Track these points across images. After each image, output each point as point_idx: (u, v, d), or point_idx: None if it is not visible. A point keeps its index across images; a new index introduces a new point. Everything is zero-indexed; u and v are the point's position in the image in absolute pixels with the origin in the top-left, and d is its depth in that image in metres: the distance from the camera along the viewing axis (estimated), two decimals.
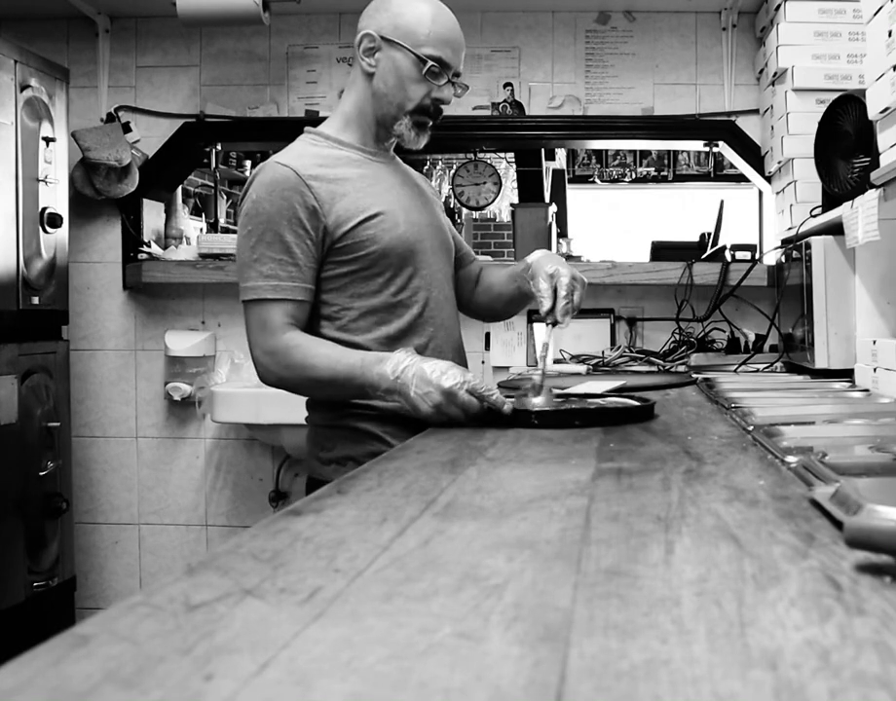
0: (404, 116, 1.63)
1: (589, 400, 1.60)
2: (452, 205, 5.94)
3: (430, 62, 1.59)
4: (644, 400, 1.52)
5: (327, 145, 1.65)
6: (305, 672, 0.44)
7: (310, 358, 1.50)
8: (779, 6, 2.67)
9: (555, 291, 1.53)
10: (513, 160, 5.11)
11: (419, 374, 1.40)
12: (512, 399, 1.46)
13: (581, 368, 2.67)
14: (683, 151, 6.60)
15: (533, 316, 3.00)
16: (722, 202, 3.13)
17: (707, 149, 3.30)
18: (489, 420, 1.39)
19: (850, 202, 1.93)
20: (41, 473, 2.74)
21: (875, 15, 1.72)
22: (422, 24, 1.60)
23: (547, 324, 1.54)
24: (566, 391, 1.76)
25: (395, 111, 1.63)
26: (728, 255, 2.92)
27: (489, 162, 4.05)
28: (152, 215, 3.28)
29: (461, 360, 1.75)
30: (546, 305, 1.53)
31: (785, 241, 2.69)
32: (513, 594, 0.56)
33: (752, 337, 2.79)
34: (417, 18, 1.60)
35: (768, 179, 2.98)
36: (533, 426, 1.36)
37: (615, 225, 6.66)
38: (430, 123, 1.66)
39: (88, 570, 3.21)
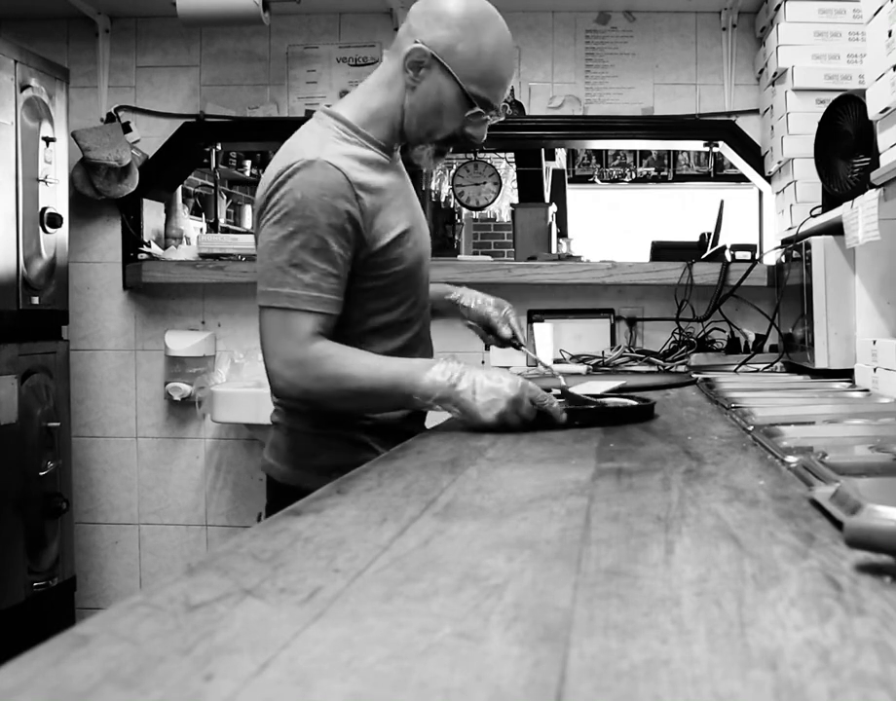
0: (431, 143, 1.53)
1: (589, 400, 1.60)
2: (452, 205, 5.95)
3: (476, 107, 1.48)
4: (644, 400, 1.51)
5: (356, 141, 1.51)
6: (305, 672, 0.44)
7: (346, 368, 1.40)
8: (779, 6, 2.67)
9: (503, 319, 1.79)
10: (513, 160, 5.11)
11: (480, 381, 1.36)
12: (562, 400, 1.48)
13: (581, 368, 2.67)
14: (683, 151, 6.60)
15: (533, 317, 3.00)
16: (722, 202, 3.13)
17: (707, 149, 3.30)
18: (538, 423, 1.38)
19: (850, 202, 1.93)
20: (41, 473, 2.74)
21: (875, 15, 1.72)
22: (480, 60, 1.47)
23: (515, 346, 1.85)
24: (566, 391, 1.76)
25: (424, 135, 1.52)
26: (727, 255, 2.92)
27: (489, 162, 4.05)
28: (152, 215, 3.28)
29: None
30: (507, 333, 1.80)
31: (785, 241, 2.69)
32: (513, 594, 0.56)
33: (752, 337, 2.79)
34: (477, 52, 1.46)
35: (768, 179, 2.98)
36: (533, 426, 1.36)
37: (615, 225, 6.66)
38: (450, 150, 1.58)
39: (88, 570, 3.21)
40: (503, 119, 1.58)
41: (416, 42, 1.46)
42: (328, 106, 1.58)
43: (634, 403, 1.52)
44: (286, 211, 1.40)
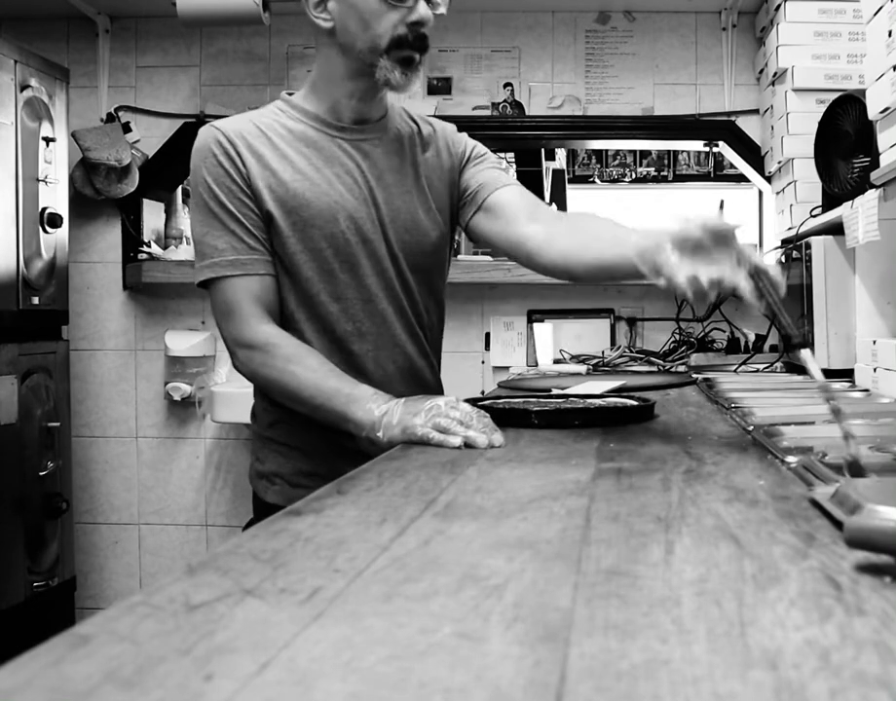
0: (380, 57, 1.39)
1: (589, 400, 1.60)
2: None
3: None
4: (644, 400, 1.50)
5: (289, 116, 1.47)
6: (305, 672, 0.44)
7: (291, 363, 1.35)
8: (779, 6, 2.67)
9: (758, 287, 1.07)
10: (513, 160, 5.11)
11: (391, 418, 1.23)
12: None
13: (581, 368, 2.67)
14: (683, 151, 6.60)
15: (533, 317, 3.00)
16: (722, 202, 3.12)
17: (707, 149, 3.30)
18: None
19: (850, 202, 1.93)
20: (41, 473, 2.74)
21: (875, 15, 1.72)
22: None
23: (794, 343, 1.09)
24: (565, 392, 1.76)
25: (370, 56, 1.39)
26: None
27: None
28: (152, 215, 3.28)
29: (414, 385, 1.51)
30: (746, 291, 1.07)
31: (785, 241, 2.69)
32: (513, 594, 0.56)
33: (752, 337, 2.79)
34: None
35: (768, 179, 2.98)
36: (533, 426, 1.33)
37: None
38: (417, 56, 1.41)
39: (88, 570, 3.21)
40: (443, 7, 1.43)
41: None
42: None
43: (634, 403, 1.50)
44: (192, 188, 1.43)
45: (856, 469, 0.97)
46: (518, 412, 1.38)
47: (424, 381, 1.55)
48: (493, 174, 1.56)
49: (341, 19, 1.39)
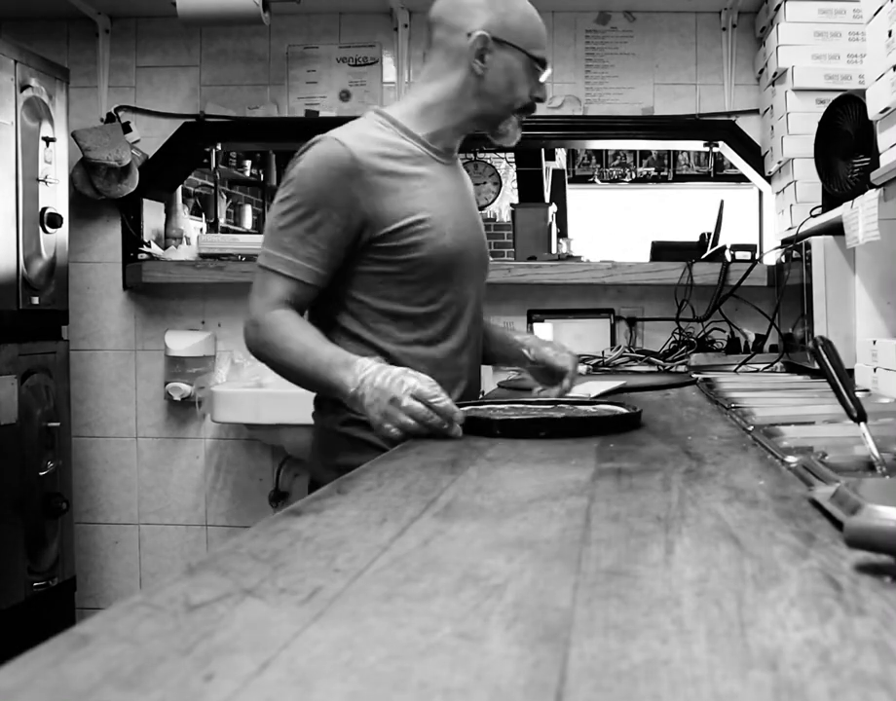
0: (512, 114, 1.62)
1: (575, 407, 1.49)
2: None
3: (538, 62, 1.60)
4: (631, 408, 1.40)
5: (393, 131, 1.57)
6: (305, 672, 0.44)
7: (286, 342, 1.43)
8: (779, 6, 2.67)
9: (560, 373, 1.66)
10: (513, 160, 5.11)
11: (372, 382, 1.30)
12: (467, 408, 1.35)
13: (581, 368, 2.67)
14: (683, 151, 6.60)
15: (533, 317, 3.00)
16: (722, 202, 3.13)
17: (707, 149, 3.30)
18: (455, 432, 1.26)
19: (850, 202, 1.93)
20: (41, 473, 2.74)
21: (875, 15, 1.72)
22: (528, 24, 1.59)
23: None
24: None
25: (503, 111, 1.61)
26: (727, 255, 2.92)
27: (489, 162, 4.05)
28: (152, 215, 3.28)
29: (476, 385, 1.69)
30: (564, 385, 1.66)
31: (785, 241, 2.69)
32: (513, 594, 0.56)
33: (752, 337, 2.79)
34: (523, 18, 1.58)
35: (768, 179, 2.98)
36: (495, 436, 1.25)
37: (615, 225, 6.65)
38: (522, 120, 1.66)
39: (88, 570, 3.21)
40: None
41: (469, 34, 1.54)
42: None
43: (617, 411, 1.41)
44: (288, 180, 1.49)
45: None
46: (481, 421, 1.30)
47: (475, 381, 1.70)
48: None
49: (494, 73, 1.57)
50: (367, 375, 1.32)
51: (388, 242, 1.51)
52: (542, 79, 1.62)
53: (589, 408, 1.47)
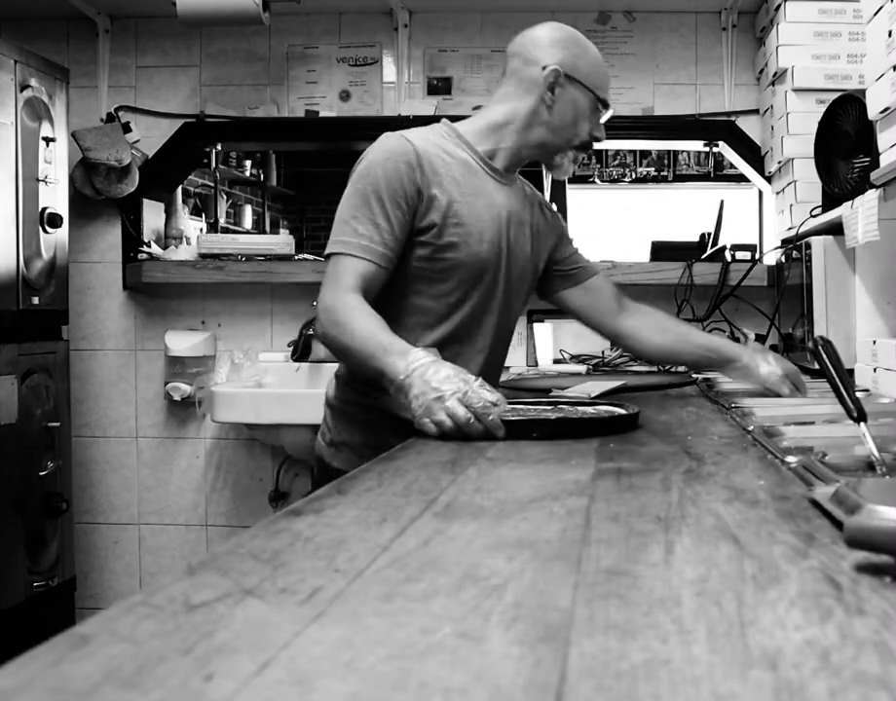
0: (570, 149, 1.72)
1: (571, 408, 1.48)
2: None
3: (602, 104, 1.71)
4: (629, 409, 1.39)
5: (454, 142, 1.67)
6: (305, 672, 0.44)
7: (352, 322, 1.46)
8: (779, 6, 2.67)
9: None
10: None
11: (422, 375, 1.31)
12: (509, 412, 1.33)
13: (581, 368, 2.68)
14: (683, 151, 6.60)
15: (533, 317, 3.00)
16: (722, 202, 3.13)
17: (707, 149, 3.30)
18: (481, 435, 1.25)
19: (850, 202, 1.93)
20: (41, 473, 2.74)
21: (875, 15, 1.72)
22: (598, 68, 1.72)
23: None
24: (563, 395, 1.77)
25: (563, 144, 1.71)
26: (727, 255, 2.92)
27: None
28: (152, 215, 3.28)
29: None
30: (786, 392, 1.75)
31: (785, 241, 2.69)
32: (513, 594, 0.56)
33: (752, 337, 2.78)
34: (593, 62, 1.72)
35: (768, 179, 2.98)
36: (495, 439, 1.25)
37: (615, 225, 6.65)
38: (582, 155, 1.77)
39: (88, 570, 3.21)
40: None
41: (543, 67, 1.67)
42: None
43: (615, 412, 1.40)
44: (357, 173, 1.58)
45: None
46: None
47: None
48: (587, 259, 1.92)
49: (561, 106, 1.68)
50: (418, 366, 1.33)
51: (430, 237, 1.59)
52: (603, 120, 1.73)
53: (588, 409, 1.46)
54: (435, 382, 1.29)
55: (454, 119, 1.77)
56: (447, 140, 1.67)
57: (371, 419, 1.64)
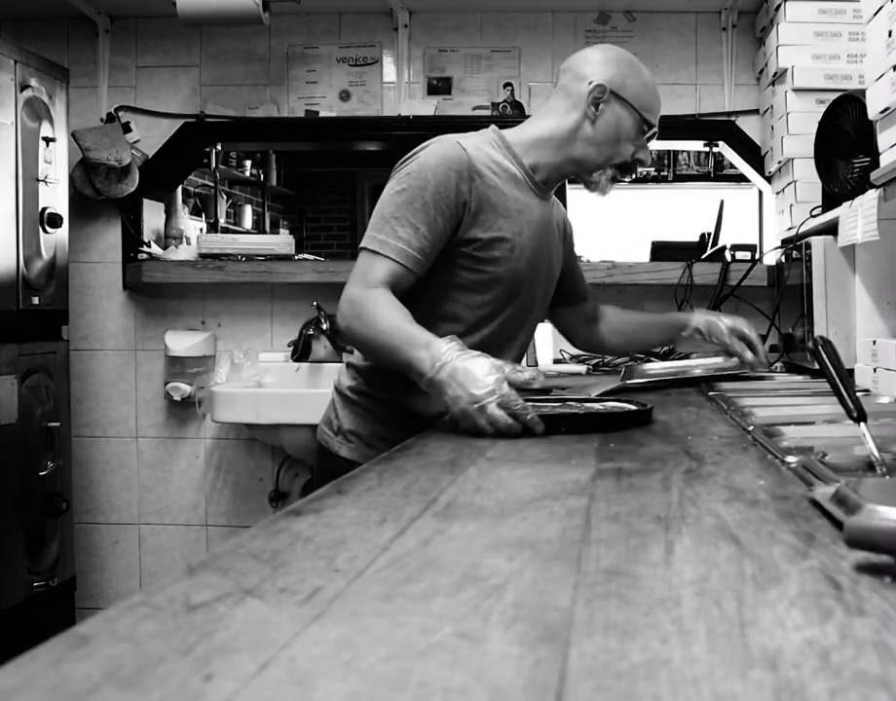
0: (609, 168, 1.70)
1: (585, 404, 1.54)
2: None
3: (648, 126, 1.70)
4: (641, 404, 1.45)
5: (503, 153, 1.67)
6: (305, 672, 0.44)
7: (377, 316, 1.46)
8: (779, 6, 2.67)
9: (744, 343, 1.92)
10: None
11: (454, 374, 1.31)
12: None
13: (581, 368, 2.67)
14: (683, 151, 6.60)
15: None
16: (722, 202, 3.13)
17: (707, 149, 3.30)
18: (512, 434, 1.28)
19: (850, 201, 1.93)
20: (41, 473, 2.74)
21: (875, 15, 1.72)
22: (648, 91, 1.71)
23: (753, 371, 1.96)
24: (564, 395, 1.77)
25: (602, 161, 1.69)
26: (727, 255, 2.92)
27: None
28: (152, 215, 3.28)
29: None
30: (749, 357, 1.94)
31: (785, 241, 2.69)
32: (513, 594, 0.56)
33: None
34: (644, 84, 1.71)
35: (768, 179, 2.98)
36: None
37: (615, 225, 6.65)
38: (621, 176, 1.74)
39: (88, 570, 3.21)
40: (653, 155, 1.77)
41: (591, 83, 1.66)
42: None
43: (632, 407, 1.46)
44: (406, 172, 1.56)
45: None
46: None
47: None
48: (583, 280, 2.02)
49: (604, 122, 1.67)
50: (446, 362, 1.32)
51: (473, 249, 1.59)
52: (648, 143, 1.72)
53: (597, 405, 1.51)
54: (471, 385, 1.28)
55: (456, 119, 1.77)
56: (497, 150, 1.67)
57: (385, 413, 1.65)
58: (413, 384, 1.41)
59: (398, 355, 1.41)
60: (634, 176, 1.77)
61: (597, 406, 1.50)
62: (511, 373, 1.30)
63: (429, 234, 1.52)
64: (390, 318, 1.45)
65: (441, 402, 1.34)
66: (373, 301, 1.48)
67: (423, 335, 1.40)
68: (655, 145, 5.06)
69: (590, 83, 1.67)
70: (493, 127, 1.73)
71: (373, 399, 1.67)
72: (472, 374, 1.29)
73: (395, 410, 1.64)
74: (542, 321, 1.86)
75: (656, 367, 2.30)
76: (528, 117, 1.85)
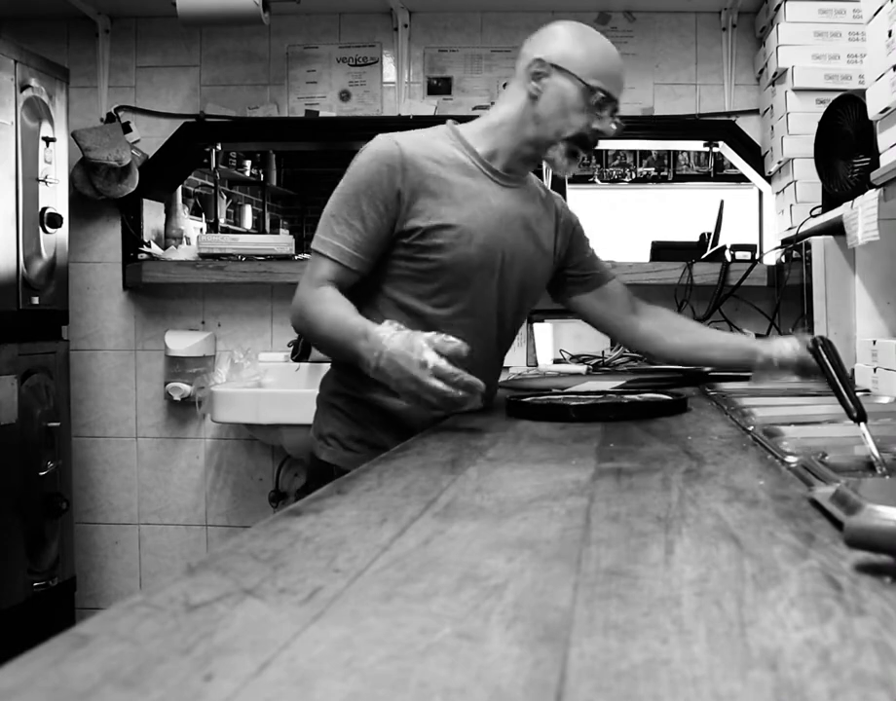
0: (561, 142, 1.64)
1: (621, 396, 1.68)
2: None
3: (599, 93, 1.62)
4: (676, 394, 1.60)
5: (454, 144, 1.66)
6: (305, 672, 0.44)
7: (322, 314, 1.53)
8: (779, 6, 2.67)
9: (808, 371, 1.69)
10: None
11: (391, 359, 1.36)
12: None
13: (581, 368, 2.67)
14: (683, 151, 6.60)
15: (533, 317, 3.00)
16: (722, 202, 3.12)
17: (707, 149, 3.30)
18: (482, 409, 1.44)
19: (850, 201, 1.93)
20: (41, 473, 2.74)
21: (875, 15, 1.72)
22: (593, 57, 1.64)
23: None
24: (568, 390, 1.77)
25: (553, 136, 1.64)
26: (727, 255, 2.92)
27: None
28: (152, 215, 3.28)
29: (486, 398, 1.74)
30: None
31: (785, 241, 2.69)
32: (513, 594, 0.56)
33: (752, 337, 2.78)
34: (588, 51, 1.64)
35: (768, 179, 2.98)
36: (571, 420, 1.42)
37: (615, 225, 6.65)
38: (583, 154, 1.69)
39: (88, 570, 3.21)
40: (623, 124, 1.69)
41: (539, 56, 1.62)
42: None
43: (667, 398, 1.59)
44: (347, 171, 1.60)
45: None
46: (557, 407, 1.50)
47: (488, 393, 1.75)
48: (603, 264, 1.92)
49: (548, 96, 1.63)
50: (384, 349, 1.38)
51: (415, 239, 1.59)
52: (606, 112, 1.64)
53: (635, 397, 1.64)
54: (406, 365, 1.34)
55: (459, 120, 1.76)
56: (446, 142, 1.66)
57: (356, 412, 1.65)
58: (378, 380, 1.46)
59: (346, 350, 1.47)
60: (592, 153, 1.77)
61: (636, 398, 1.62)
62: (441, 344, 1.34)
63: (364, 230, 1.56)
64: (332, 314, 1.51)
65: (393, 387, 1.39)
66: (317, 299, 1.54)
67: (360, 326, 1.45)
68: (656, 145, 5.06)
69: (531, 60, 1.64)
70: (450, 122, 1.73)
71: (348, 399, 1.67)
72: (404, 354, 1.35)
73: (368, 410, 1.64)
74: (525, 312, 1.80)
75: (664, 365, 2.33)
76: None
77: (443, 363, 1.32)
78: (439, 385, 1.31)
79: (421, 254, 1.60)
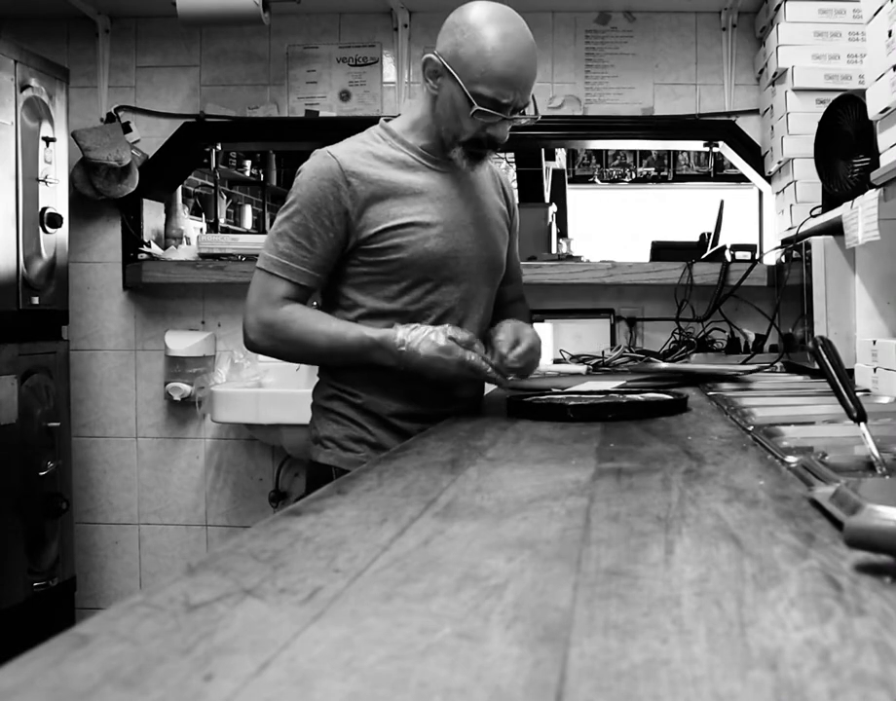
0: (458, 145, 1.61)
1: (624, 396, 1.68)
2: None
3: (478, 106, 1.53)
4: (677, 394, 1.61)
5: (390, 143, 1.65)
6: (305, 672, 0.44)
7: (307, 336, 1.58)
8: (779, 6, 2.67)
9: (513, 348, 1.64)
10: (513, 160, 5.11)
11: (429, 353, 1.53)
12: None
13: (581, 368, 2.67)
14: (683, 151, 6.60)
15: (533, 317, 3.00)
16: (722, 202, 3.12)
17: (707, 149, 3.30)
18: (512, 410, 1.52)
19: (850, 201, 1.93)
20: (41, 473, 2.74)
21: (875, 15, 1.72)
22: (479, 60, 1.52)
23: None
24: (569, 390, 1.77)
25: (451, 139, 1.61)
26: (727, 255, 2.92)
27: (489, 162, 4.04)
28: (152, 215, 3.28)
29: (470, 387, 1.75)
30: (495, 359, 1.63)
31: (785, 241, 2.69)
32: (513, 594, 0.56)
33: (752, 337, 2.79)
34: (476, 53, 1.52)
35: (768, 179, 2.98)
36: (568, 419, 1.44)
37: (615, 225, 6.65)
38: (486, 153, 1.64)
39: (88, 570, 3.21)
40: (534, 116, 1.65)
41: (432, 54, 1.58)
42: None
43: (668, 397, 1.61)
44: (290, 190, 1.62)
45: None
46: (556, 407, 1.52)
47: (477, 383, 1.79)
48: (515, 263, 1.95)
49: (442, 99, 1.60)
50: (411, 352, 1.54)
51: (372, 244, 1.60)
52: (495, 120, 1.56)
53: (636, 397, 1.65)
54: (446, 354, 1.53)
55: None
56: (381, 143, 1.65)
57: (351, 414, 1.67)
58: (374, 382, 1.62)
59: (353, 362, 1.60)
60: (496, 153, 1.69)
61: (637, 397, 1.63)
62: (457, 334, 1.55)
63: (308, 244, 1.57)
64: (322, 332, 1.59)
65: (433, 376, 1.55)
66: (288, 319, 1.58)
67: (366, 339, 1.57)
68: (656, 145, 5.07)
69: (432, 54, 1.58)
70: (381, 120, 1.71)
71: (340, 401, 1.68)
72: (439, 346, 1.53)
73: (361, 411, 1.66)
74: (502, 273, 1.77)
75: (662, 366, 2.33)
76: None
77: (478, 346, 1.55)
78: (478, 361, 1.54)
79: (382, 256, 1.60)
